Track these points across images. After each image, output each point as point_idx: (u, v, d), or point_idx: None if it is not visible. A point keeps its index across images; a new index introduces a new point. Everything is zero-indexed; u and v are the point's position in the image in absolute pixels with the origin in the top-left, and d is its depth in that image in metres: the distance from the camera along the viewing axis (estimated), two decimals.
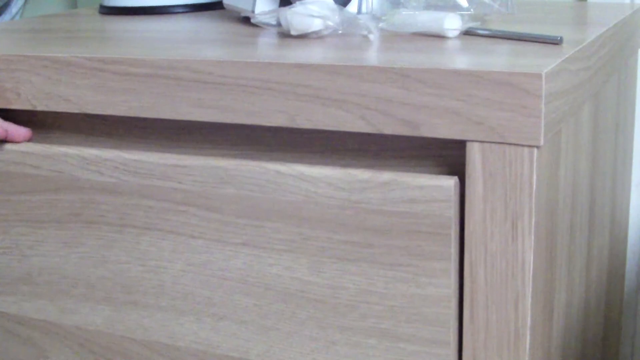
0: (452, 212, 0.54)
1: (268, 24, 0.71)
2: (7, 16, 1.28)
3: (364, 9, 0.76)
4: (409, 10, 0.67)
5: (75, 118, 0.70)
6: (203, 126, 0.65)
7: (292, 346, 0.62)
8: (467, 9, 0.67)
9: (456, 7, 0.67)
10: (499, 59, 0.55)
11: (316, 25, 0.66)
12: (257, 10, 0.75)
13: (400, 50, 0.60)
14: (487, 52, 0.58)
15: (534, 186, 0.52)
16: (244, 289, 0.63)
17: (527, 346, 0.55)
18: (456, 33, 0.65)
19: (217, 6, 0.94)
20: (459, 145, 0.57)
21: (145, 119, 0.67)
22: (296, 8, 0.66)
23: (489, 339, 0.56)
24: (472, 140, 0.53)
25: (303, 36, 0.68)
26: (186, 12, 0.92)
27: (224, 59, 0.59)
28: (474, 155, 0.53)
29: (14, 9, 1.29)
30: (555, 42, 0.60)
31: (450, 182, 0.54)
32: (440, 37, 0.65)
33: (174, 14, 0.91)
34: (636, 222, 0.97)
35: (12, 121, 0.71)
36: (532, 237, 0.53)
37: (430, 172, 0.58)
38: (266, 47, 0.64)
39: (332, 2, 0.67)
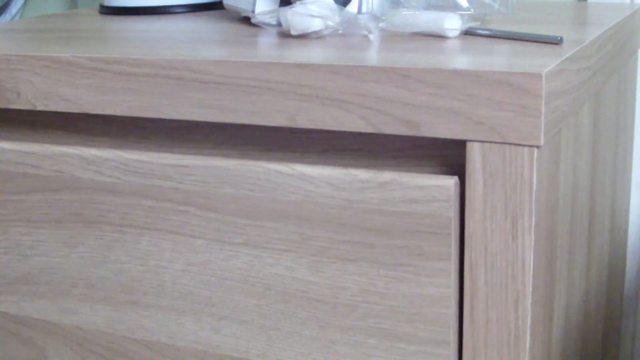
0: (452, 212, 0.54)
1: (268, 24, 0.71)
2: (7, 16, 1.28)
3: (364, 9, 0.76)
4: (409, 10, 0.67)
5: (75, 118, 0.70)
6: (203, 126, 0.65)
7: (292, 346, 0.62)
8: (467, 9, 0.67)
9: (456, 7, 0.67)
10: (499, 59, 0.55)
11: (316, 25, 0.66)
12: (257, 10, 0.75)
13: (401, 50, 0.60)
14: (487, 52, 0.58)
15: (534, 186, 0.52)
16: (244, 288, 0.63)
17: (527, 346, 0.55)
18: (456, 33, 0.65)
19: (217, 6, 0.94)
20: (459, 145, 0.57)
21: (145, 119, 0.67)
22: (296, 8, 0.66)
23: (489, 339, 0.56)
24: (472, 140, 0.53)
25: (303, 36, 0.68)
26: (186, 12, 0.92)
27: (224, 59, 0.59)
28: (474, 155, 0.53)
29: (14, 9, 1.29)
30: (555, 42, 0.60)
31: (450, 182, 0.54)
32: (440, 37, 0.65)
33: (174, 14, 0.91)
34: (636, 222, 0.97)
35: (12, 121, 0.71)
36: (532, 237, 0.53)
37: (430, 172, 0.58)
38: (266, 47, 0.64)
39: (332, 2, 0.67)
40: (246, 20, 0.82)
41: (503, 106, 0.51)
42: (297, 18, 0.66)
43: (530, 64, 0.53)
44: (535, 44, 0.60)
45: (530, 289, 0.54)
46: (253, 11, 0.75)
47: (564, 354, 0.66)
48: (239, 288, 0.63)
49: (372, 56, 0.58)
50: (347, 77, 0.55)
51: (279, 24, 0.70)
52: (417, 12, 0.66)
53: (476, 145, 0.53)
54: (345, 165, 0.61)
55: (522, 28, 0.69)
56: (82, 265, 0.69)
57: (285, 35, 0.70)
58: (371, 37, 0.66)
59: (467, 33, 0.66)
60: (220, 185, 0.61)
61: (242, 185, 0.61)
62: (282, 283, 0.61)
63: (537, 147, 0.52)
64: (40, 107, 0.66)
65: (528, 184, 0.52)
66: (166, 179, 0.63)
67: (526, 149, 0.52)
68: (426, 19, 0.65)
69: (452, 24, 0.64)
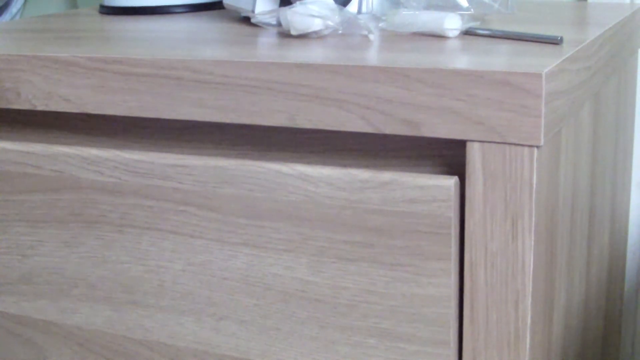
0: (452, 212, 0.54)
1: (268, 24, 0.71)
2: (7, 16, 1.28)
3: (364, 9, 0.76)
4: (409, 10, 0.67)
5: (75, 118, 0.70)
6: (203, 126, 0.65)
7: (292, 346, 0.62)
8: (467, 9, 0.67)
9: (456, 7, 0.67)
10: (499, 59, 0.55)
11: (316, 25, 0.66)
12: (257, 10, 0.75)
13: (401, 50, 0.60)
14: (487, 52, 0.58)
15: (534, 186, 0.52)
16: (244, 288, 0.63)
17: (527, 346, 0.55)
18: (456, 33, 0.65)
19: (217, 6, 0.94)
20: (459, 145, 0.57)
21: (145, 119, 0.67)
22: (296, 8, 0.66)
23: (489, 339, 0.56)
24: (472, 140, 0.53)
25: (303, 36, 0.68)
26: (186, 12, 0.92)
27: (224, 59, 0.59)
28: (474, 155, 0.53)
29: (14, 9, 1.29)
30: (555, 42, 0.60)
31: (450, 182, 0.54)
32: (440, 37, 0.65)
33: (174, 14, 0.91)
34: (636, 222, 0.97)
35: (12, 121, 0.71)
36: (532, 237, 0.53)
37: (430, 172, 0.58)
38: (266, 47, 0.64)
39: (332, 2, 0.67)
40: (246, 20, 0.82)
41: (503, 106, 0.51)
42: (297, 18, 0.66)
43: (530, 64, 0.53)
44: (535, 44, 0.60)
45: (530, 289, 0.54)
46: (253, 11, 0.75)
47: (564, 354, 0.66)
48: (239, 288, 0.63)
49: (372, 56, 0.58)
50: (347, 77, 0.55)
51: (279, 24, 0.70)
52: (417, 12, 0.66)
53: (476, 145, 0.53)
54: (345, 165, 0.61)
55: (522, 28, 0.69)
56: (82, 265, 0.69)
57: (285, 35, 0.70)
58: (371, 37, 0.66)
59: (467, 33, 0.66)
60: (220, 185, 0.61)
61: (242, 185, 0.61)
62: (282, 283, 0.61)
63: (537, 147, 0.52)
64: (40, 107, 0.66)
65: (528, 184, 0.52)
66: (166, 179, 0.63)
67: (526, 149, 0.52)
68: (426, 19, 0.65)
69: (452, 24, 0.64)
